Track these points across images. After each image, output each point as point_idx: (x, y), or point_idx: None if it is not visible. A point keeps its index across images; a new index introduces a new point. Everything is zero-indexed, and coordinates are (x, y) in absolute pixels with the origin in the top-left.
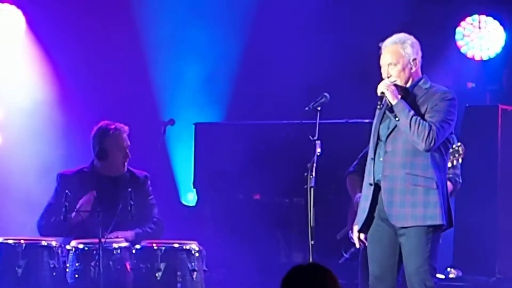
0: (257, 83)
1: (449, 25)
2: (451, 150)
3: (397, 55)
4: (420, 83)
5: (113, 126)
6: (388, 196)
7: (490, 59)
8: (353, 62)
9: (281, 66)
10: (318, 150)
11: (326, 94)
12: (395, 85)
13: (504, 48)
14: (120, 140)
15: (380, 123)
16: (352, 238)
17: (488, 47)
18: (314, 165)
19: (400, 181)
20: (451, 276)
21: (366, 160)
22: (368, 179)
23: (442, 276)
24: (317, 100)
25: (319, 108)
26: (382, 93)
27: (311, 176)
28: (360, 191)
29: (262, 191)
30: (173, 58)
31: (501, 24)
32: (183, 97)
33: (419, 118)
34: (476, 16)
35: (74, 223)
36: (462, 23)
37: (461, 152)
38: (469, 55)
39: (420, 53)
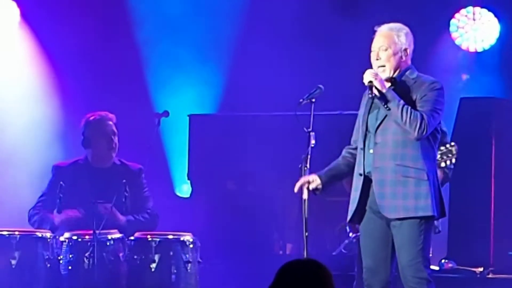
0: (252, 74)
1: (444, 17)
2: (444, 150)
3: (390, 41)
4: (407, 73)
5: (95, 115)
6: (380, 188)
7: (484, 51)
8: (347, 53)
9: (275, 57)
10: (313, 141)
11: (320, 86)
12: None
13: (498, 39)
14: (101, 127)
15: (368, 113)
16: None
17: (483, 38)
18: (309, 156)
19: (391, 173)
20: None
21: None
22: (358, 169)
23: (436, 268)
24: (312, 92)
25: (313, 100)
26: (370, 82)
27: (306, 168)
28: None
29: (257, 182)
30: (168, 49)
31: (495, 15)
32: (177, 88)
33: (409, 107)
34: (470, 8)
35: (56, 224)
36: (457, 15)
37: (454, 152)
38: (464, 47)
39: (412, 46)
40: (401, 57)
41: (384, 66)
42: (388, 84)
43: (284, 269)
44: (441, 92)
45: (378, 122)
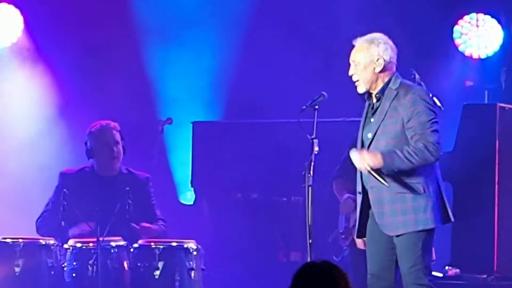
0: (255, 81)
1: (447, 24)
2: None
3: (360, 54)
4: (390, 84)
5: (98, 125)
6: (378, 208)
7: (488, 58)
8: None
9: (279, 64)
10: (316, 148)
11: (323, 92)
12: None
13: (502, 46)
14: (103, 137)
15: (363, 128)
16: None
17: (486, 45)
18: (312, 163)
19: (387, 190)
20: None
21: (348, 163)
22: (357, 187)
23: (440, 275)
24: (315, 99)
25: (316, 107)
26: (370, 171)
27: (309, 175)
28: (347, 192)
29: (260, 190)
30: (171, 57)
31: (499, 22)
32: (181, 96)
33: (408, 148)
34: (474, 15)
35: (71, 236)
36: (460, 22)
37: None
38: (467, 53)
39: (390, 54)
40: (374, 68)
41: (358, 80)
42: (374, 100)
43: (301, 271)
44: (428, 99)
45: (370, 139)
